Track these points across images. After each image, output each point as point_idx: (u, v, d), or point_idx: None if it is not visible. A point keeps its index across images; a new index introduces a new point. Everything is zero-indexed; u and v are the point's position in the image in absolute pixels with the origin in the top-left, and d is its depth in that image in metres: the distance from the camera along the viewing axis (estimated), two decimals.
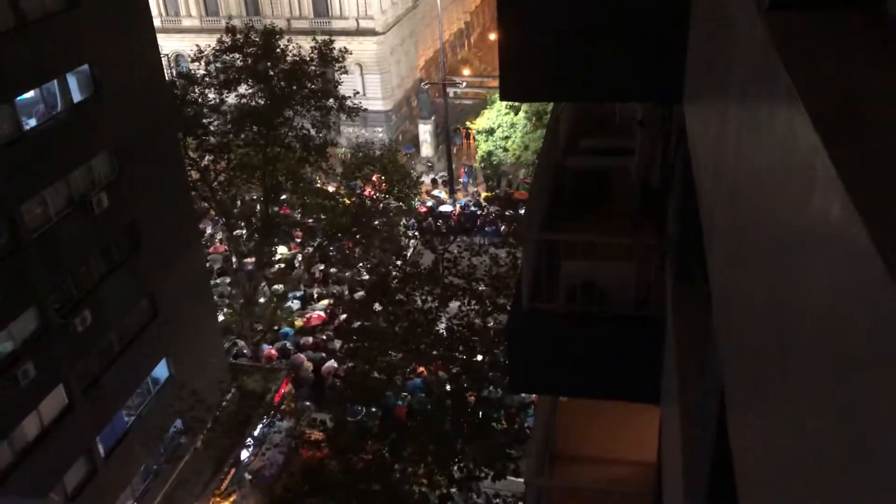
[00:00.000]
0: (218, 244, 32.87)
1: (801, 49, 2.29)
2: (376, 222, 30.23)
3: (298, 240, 32.08)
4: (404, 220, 34.22)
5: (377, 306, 21.43)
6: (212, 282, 31.62)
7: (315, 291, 31.77)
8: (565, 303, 6.59)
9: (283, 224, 29.63)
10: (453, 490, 18.49)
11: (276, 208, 29.82)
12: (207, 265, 32.43)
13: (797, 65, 2.15)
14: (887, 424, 1.24)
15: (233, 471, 24.02)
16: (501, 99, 5.87)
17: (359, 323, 22.49)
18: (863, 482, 1.36)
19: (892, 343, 1.24)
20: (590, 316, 6.54)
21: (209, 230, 35.49)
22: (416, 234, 34.60)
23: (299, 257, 32.38)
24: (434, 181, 42.60)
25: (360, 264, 30.88)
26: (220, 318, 29.64)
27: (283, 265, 32.38)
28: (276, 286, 31.15)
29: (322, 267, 32.32)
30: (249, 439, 24.64)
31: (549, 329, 6.58)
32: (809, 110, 1.89)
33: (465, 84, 48.77)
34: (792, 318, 2.05)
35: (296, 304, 30.68)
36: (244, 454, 24.57)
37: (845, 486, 1.46)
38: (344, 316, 27.79)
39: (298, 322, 29.69)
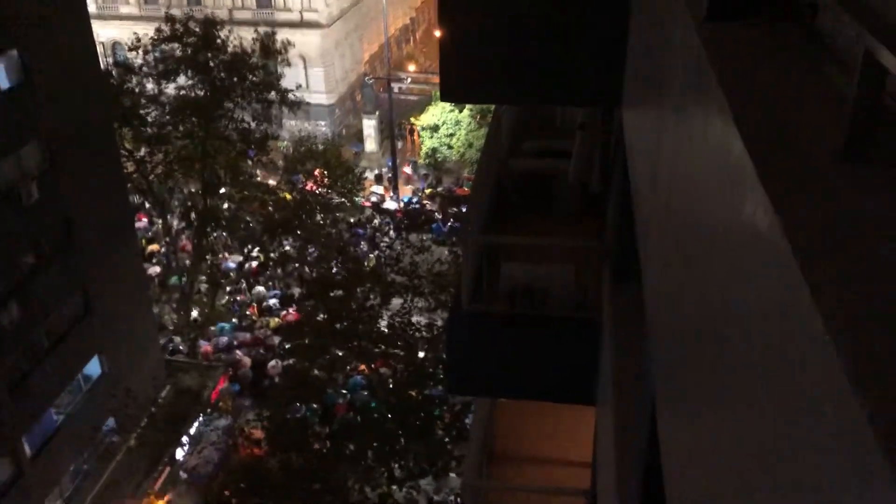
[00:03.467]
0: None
1: (735, 62, 2.30)
2: (318, 217, 29.86)
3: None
4: (350, 218, 33.86)
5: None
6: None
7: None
8: (505, 305, 6.59)
9: (222, 218, 29.01)
10: (394, 488, 18.43)
11: (218, 202, 29.18)
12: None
13: (729, 78, 2.17)
14: (805, 429, 1.26)
15: (167, 469, 23.47)
16: (442, 99, 5.83)
17: (296, 318, 22.23)
18: (782, 484, 1.38)
19: (807, 346, 1.27)
20: (529, 318, 6.56)
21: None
22: (360, 231, 34.30)
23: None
24: (378, 176, 42.27)
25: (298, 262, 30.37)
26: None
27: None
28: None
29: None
30: (185, 437, 24.12)
31: (488, 331, 6.57)
32: (739, 123, 1.92)
33: (409, 80, 48.59)
34: (719, 321, 2.10)
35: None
36: (179, 453, 24.04)
37: (766, 488, 1.48)
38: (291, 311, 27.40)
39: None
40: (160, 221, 32.24)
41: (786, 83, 2.20)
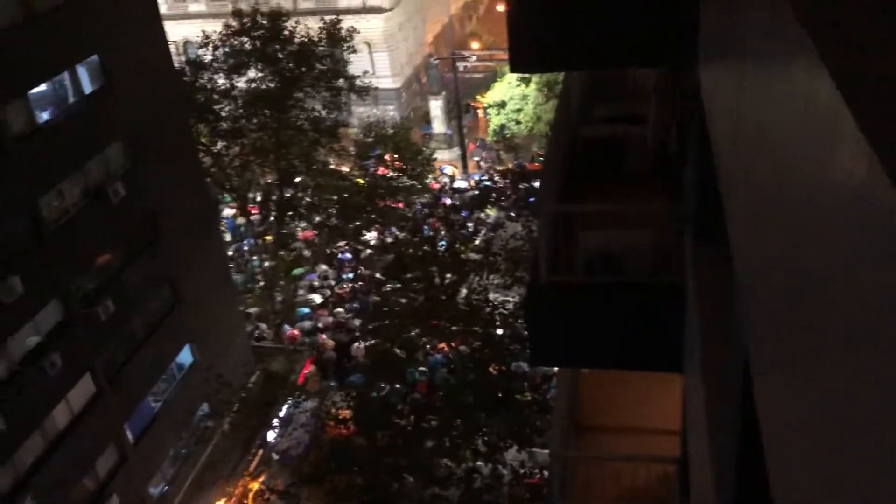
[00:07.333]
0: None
1: (816, 2, 2.22)
2: (388, 201, 30.14)
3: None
4: (421, 200, 34.06)
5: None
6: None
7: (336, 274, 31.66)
8: (583, 274, 6.55)
9: (300, 206, 29.61)
10: (479, 463, 18.61)
11: (291, 191, 29.79)
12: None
13: (813, 18, 2.09)
14: None
15: (260, 452, 24.29)
16: (512, 71, 5.80)
17: (377, 299, 22.56)
18: (891, 449, 1.33)
19: None
20: (609, 286, 6.49)
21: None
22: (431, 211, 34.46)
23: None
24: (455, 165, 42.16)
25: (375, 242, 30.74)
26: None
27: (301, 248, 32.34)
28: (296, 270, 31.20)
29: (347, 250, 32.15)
30: (275, 420, 24.87)
31: (567, 301, 6.55)
32: (828, 65, 1.83)
33: (474, 58, 48.32)
34: (816, 281, 2.00)
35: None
36: (271, 435, 24.82)
37: (874, 452, 1.43)
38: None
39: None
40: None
41: (872, 18, 2.09)
